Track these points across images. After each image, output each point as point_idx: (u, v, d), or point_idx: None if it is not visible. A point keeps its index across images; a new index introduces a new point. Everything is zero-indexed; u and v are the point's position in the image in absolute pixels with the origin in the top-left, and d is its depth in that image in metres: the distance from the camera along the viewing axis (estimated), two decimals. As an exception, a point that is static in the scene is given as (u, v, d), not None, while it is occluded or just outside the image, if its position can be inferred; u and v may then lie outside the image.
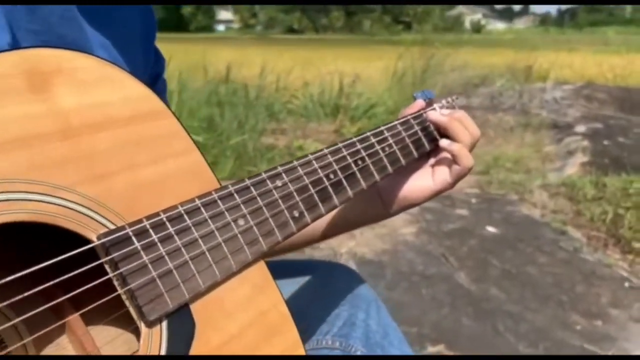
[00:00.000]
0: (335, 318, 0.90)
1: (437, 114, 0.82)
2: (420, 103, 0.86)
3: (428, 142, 0.82)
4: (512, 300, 2.68)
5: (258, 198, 0.57)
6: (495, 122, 6.90)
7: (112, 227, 0.47)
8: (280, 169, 0.61)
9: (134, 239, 0.47)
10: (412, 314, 2.43)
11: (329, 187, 0.66)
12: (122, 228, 0.47)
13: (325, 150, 0.68)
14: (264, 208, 0.57)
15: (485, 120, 6.94)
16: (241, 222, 0.55)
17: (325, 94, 5.97)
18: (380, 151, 0.75)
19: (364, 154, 0.73)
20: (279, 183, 0.60)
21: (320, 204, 0.64)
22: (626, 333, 2.56)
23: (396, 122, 0.80)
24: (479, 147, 3.87)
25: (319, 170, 0.66)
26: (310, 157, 0.66)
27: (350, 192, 0.69)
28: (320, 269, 0.97)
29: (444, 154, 0.81)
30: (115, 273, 0.46)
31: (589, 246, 3.38)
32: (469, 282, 2.80)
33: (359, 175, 0.71)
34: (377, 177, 0.73)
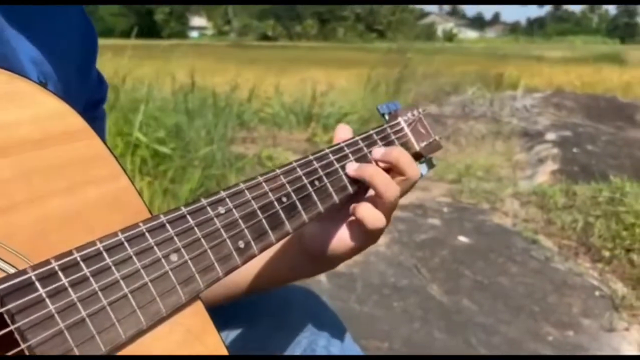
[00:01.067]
0: (295, 346, 0.84)
1: (352, 167, 0.68)
2: (345, 130, 0.75)
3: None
4: (484, 312, 2.65)
5: (196, 228, 0.50)
6: (466, 130, 6.95)
7: (12, 271, 0.40)
8: (223, 193, 0.54)
9: (37, 284, 0.40)
10: (383, 328, 2.38)
11: (280, 211, 0.59)
12: (24, 272, 0.40)
13: (278, 171, 0.62)
14: (202, 240, 0.50)
15: (457, 129, 6.98)
16: (174, 257, 0.48)
17: (297, 102, 5.92)
18: (339, 169, 0.69)
19: (321, 173, 0.67)
20: (221, 210, 0.53)
21: (270, 232, 0.57)
22: (598, 343, 2.55)
23: (357, 138, 0.74)
24: (452, 156, 3.86)
25: (270, 194, 0.59)
26: (260, 178, 0.59)
27: (305, 217, 0.62)
28: (276, 295, 0.91)
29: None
30: (13, 327, 0.39)
31: (560, 255, 3.38)
32: (441, 293, 2.76)
33: (315, 197, 0.65)
34: (335, 198, 0.67)
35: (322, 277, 2.72)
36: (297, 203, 0.62)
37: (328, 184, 0.66)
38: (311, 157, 0.67)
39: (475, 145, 6.55)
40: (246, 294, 0.78)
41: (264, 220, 0.57)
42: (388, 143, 0.78)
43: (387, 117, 0.85)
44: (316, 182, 0.65)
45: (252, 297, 0.88)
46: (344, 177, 0.69)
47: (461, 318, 2.58)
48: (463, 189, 4.31)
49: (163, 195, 2.83)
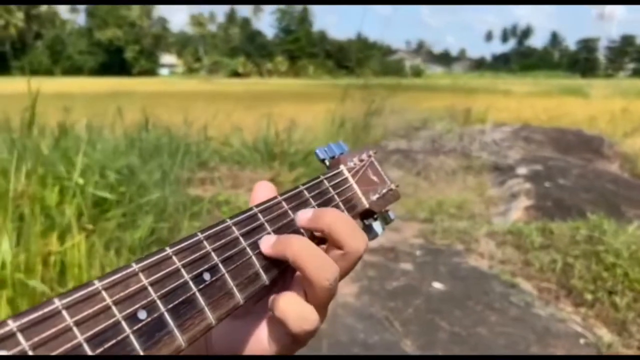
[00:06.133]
0: None
1: (267, 242, 0.44)
2: (264, 189, 0.51)
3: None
4: (464, 370, 2.40)
5: None
6: (437, 165, 6.80)
7: None
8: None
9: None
10: (352, 396, 2.11)
11: (130, 336, 0.34)
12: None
13: (135, 267, 0.37)
14: None
15: (428, 164, 6.83)
16: None
17: (261, 140, 5.69)
18: (248, 249, 0.45)
19: (216, 260, 0.42)
20: None
21: None
22: (588, 403, 2.32)
23: (280, 198, 0.50)
24: (423, 192, 3.63)
25: (116, 310, 0.34)
26: (97, 284, 0.34)
27: (181, 339, 0.37)
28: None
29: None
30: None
31: (540, 299, 3.18)
32: (415, 349, 2.50)
33: (201, 301, 0.40)
34: (238, 297, 0.43)
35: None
36: (166, 316, 0.37)
37: (227, 276, 0.42)
38: (201, 236, 0.42)
39: (446, 181, 6.40)
40: None
41: None
42: (325, 202, 0.54)
43: (327, 163, 0.62)
44: (205, 276, 0.40)
45: None
46: (255, 260, 0.44)
47: (438, 378, 2.32)
48: (436, 229, 4.10)
49: (105, 248, 2.53)
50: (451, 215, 4.79)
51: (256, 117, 7.36)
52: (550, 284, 3.33)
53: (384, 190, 0.63)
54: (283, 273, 0.46)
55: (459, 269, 3.40)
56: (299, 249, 0.43)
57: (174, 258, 0.39)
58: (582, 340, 2.83)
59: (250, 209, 0.47)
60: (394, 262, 3.40)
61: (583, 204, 4.92)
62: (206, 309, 0.39)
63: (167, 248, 0.40)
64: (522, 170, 6.54)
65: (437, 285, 3.13)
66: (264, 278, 0.44)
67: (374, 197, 0.61)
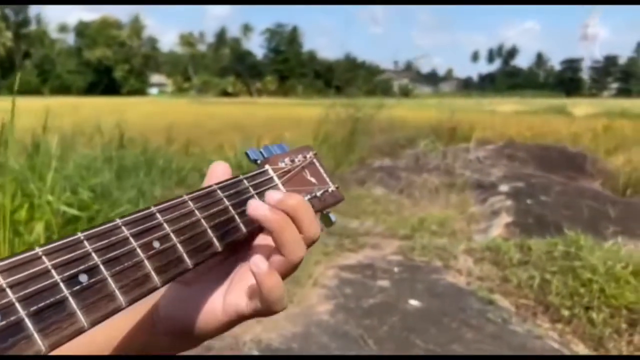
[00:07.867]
0: None
1: (257, 206, 0.46)
2: (217, 170, 0.53)
3: (244, 225, 0.49)
4: (437, 388, 2.37)
5: None
6: (420, 183, 6.82)
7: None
8: None
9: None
10: (322, 416, 2.07)
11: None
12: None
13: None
14: None
15: (411, 182, 6.85)
16: None
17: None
18: (139, 251, 0.43)
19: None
20: None
21: None
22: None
23: (186, 197, 0.48)
24: (406, 209, 3.62)
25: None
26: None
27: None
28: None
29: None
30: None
31: (518, 316, 3.16)
32: (389, 368, 2.47)
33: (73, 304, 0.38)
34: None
35: (255, 353, 2.40)
36: (26, 320, 0.35)
37: (109, 278, 0.40)
38: (81, 236, 0.41)
39: (429, 198, 6.41)
40: None
41: None
42: (242, 202, 0.52)
43: (259, 163, 0.60)
44: (81, 278, 0.39)
45: None
46: (146, 262, 0.43)
47: (411, 396, 2.29)
48: (415, 246, 4.09)
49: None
50: (432, 233, 4.78)
51: (242, 136, 7.36)
52: (528, 300, 3.32)
53: (320, 192, 0.62)
54: (181, 274, 0.45)
55: (437, 286, 3.38)
56: (285, 223, 0.46)
57: (44, 258, 0.37)
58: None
59: (148, 207, 0.45)
60: (371, 279, 3.38)
61: (563, 221, 4.94)
62: (78, 312, 0.37)
63: (37, 247, 0.38)
64: (504, 187, 6.58)
65: (413, 302, 3.11)
66: (155, 280, 0.43)
67: (306, 198, 0.60)
